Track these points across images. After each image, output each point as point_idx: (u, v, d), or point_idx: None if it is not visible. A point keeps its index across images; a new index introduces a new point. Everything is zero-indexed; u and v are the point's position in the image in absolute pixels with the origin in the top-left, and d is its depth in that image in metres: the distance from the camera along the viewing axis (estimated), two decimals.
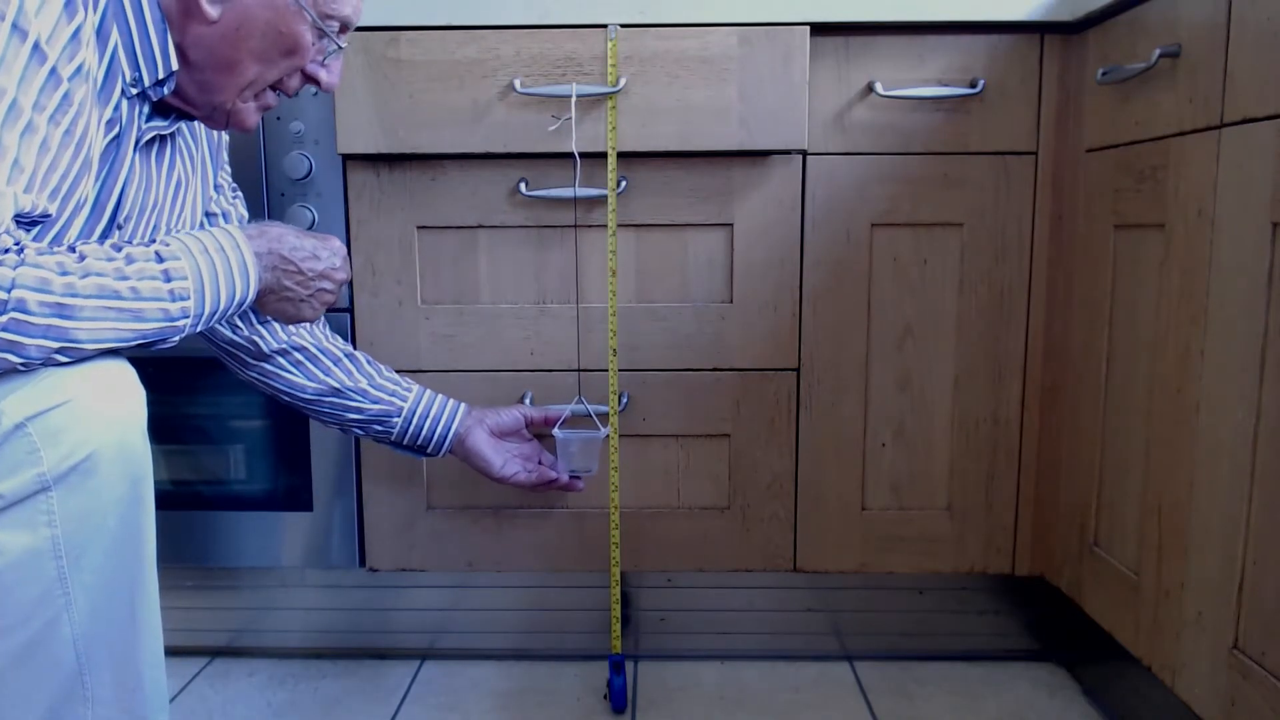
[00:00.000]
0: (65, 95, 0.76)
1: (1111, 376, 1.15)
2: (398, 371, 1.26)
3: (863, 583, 1.38)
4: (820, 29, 1.22)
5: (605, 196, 1.23)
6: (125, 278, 0.77)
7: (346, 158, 1.25)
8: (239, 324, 1.10)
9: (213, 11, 0.84)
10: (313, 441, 1.30)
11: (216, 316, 0.86)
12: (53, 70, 0.74)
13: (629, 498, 1.31)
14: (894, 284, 1.28)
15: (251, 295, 0.89)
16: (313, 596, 1.40)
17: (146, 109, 0.88)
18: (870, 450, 1.31)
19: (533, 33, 1.20)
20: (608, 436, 1.25)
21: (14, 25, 0.72)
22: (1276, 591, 0.86)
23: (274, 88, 0.92)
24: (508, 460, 1.21)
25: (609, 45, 1.19)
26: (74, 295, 0.74)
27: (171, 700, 1.30)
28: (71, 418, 0.75)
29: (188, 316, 0.82)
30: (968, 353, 1.28)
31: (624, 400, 1.28)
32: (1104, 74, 1.12)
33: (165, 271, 0.80)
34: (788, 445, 1.30)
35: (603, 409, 1.26)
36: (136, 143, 0.88)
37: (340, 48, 0.92)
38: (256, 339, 1.11)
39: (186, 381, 1.27)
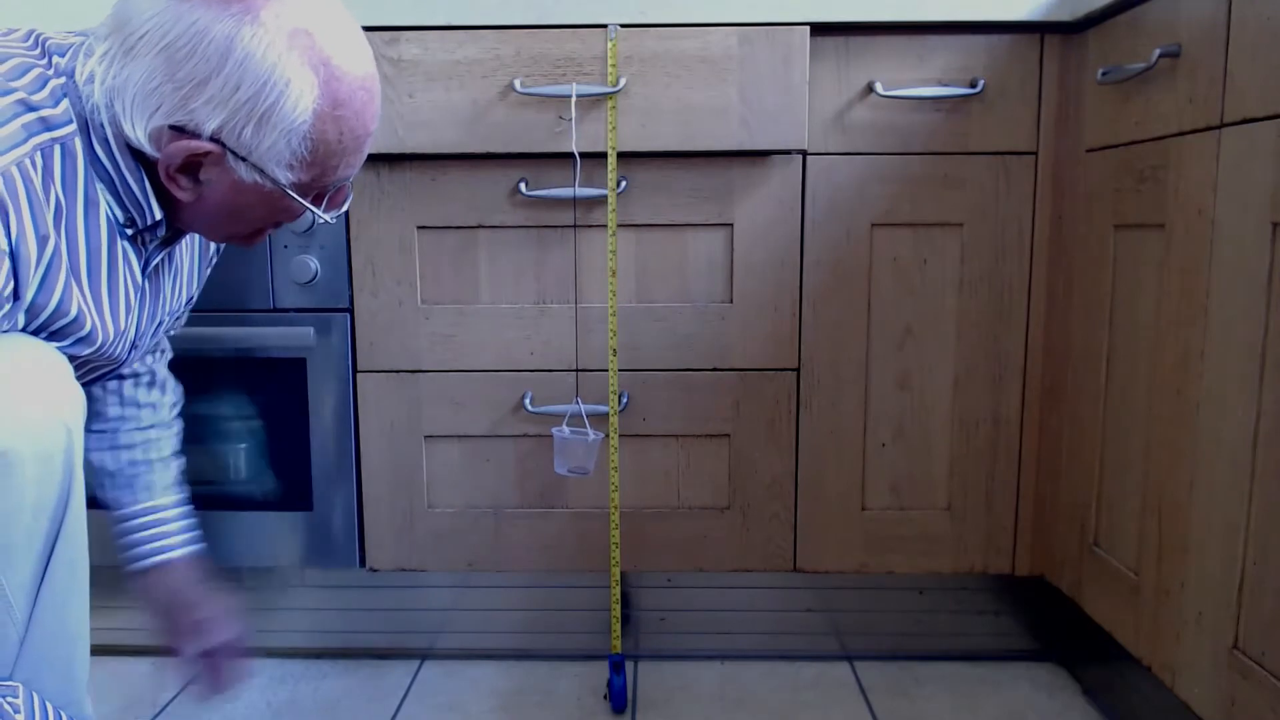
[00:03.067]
0: None
1: (1111, 376, 1.15)
2: (397, 373, 1.26)
3: (863, 583, 1.38)
4: (820, 29, 1.22)
5: (605, 196, 1.23)
6: None
7: None
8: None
9: (186, 197, 0.80)
10: (312, 441, 1.30)
11: None
12: None
13: (629, 498, 1.31)
14: (894, 284, 1.28)
15: None
16: (313, 596, 1.40)
17: (154, 239, 0.87)
18: (870, 450, 1.31)
19: (533, 33, 1.20)
20: (606, 438, 1.25)
21: None
22: (1276, 591, 0.86)
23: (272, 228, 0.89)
24: (180, 629, 1.08)
25: (609, 45, 1.19)
26: None
27: (171, 700, 1.30)
28: None
29: None
30: (968, 353, 1.28)
31: (624, 400, 1.28)
32: (1104, 74, 1.12)
33: None
34: (788, 445, 1.30)
35: (603, 409, 1.26)
36: (144, 270, 0.88)
37: (330, 220, 0.86)
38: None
39: (186, 382, 1.27)
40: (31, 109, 0.74)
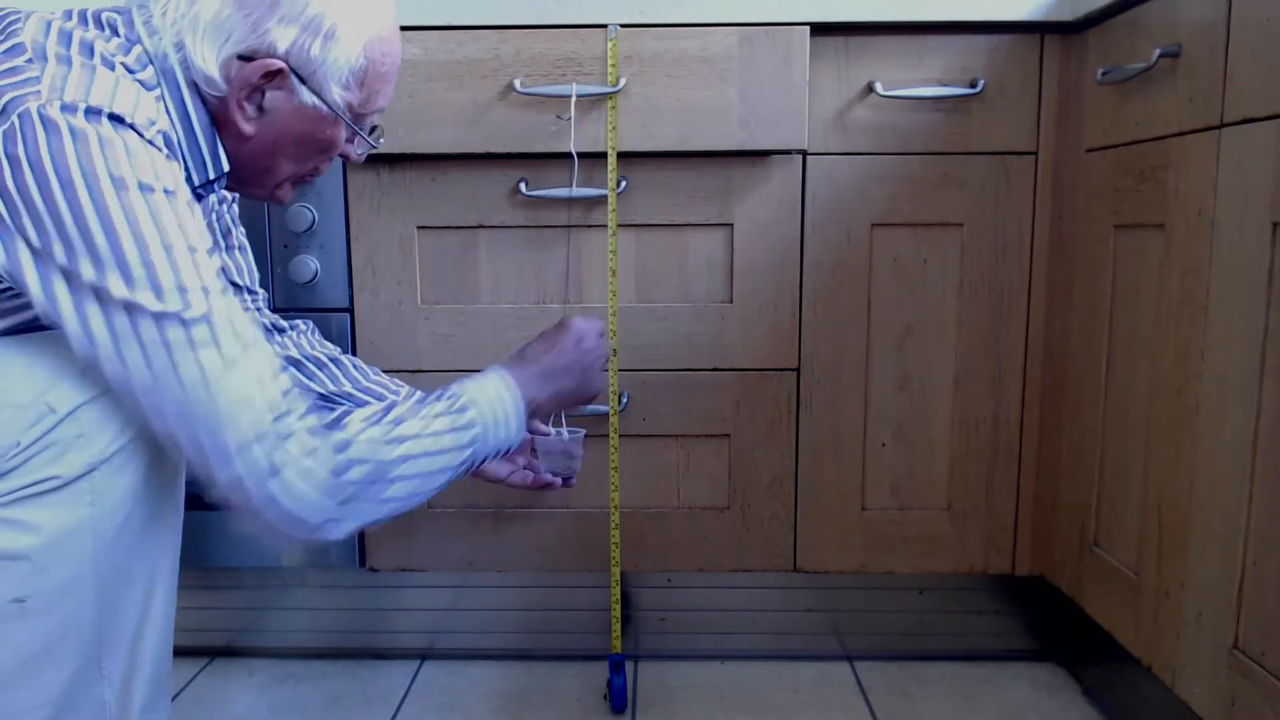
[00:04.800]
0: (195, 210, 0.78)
1: (1111, 376, 1.15)
2: (398, 373, 1.26)
3: (863, 583, 1.38)
4: (820, 29, 1.22)
5: (605, 196, 1.23)
6: (438, 434, 0.87)
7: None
8: None
9: (249, 129, 0.84)
10: None
11: (480, 464, 0.94)
12: (187, 203, 0.76)
13: (629, 498, 1.31)
14: (894, 284, 1.28)
15: (516, 440, 0.97)
16: (313, 596, 1.40)
17: (212, 191, 0.90)
18: (870, 450, 1.31)
19: (533, 33, 1.20)
20: (585, 436, 1.24)
21: (163, 189, 0.74)
22: (1276, 591, 0.86)
23: (310, 172, 0.94)
24: (499, 462, 1.20)
25: (609, 45, 1.19)
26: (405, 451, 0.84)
27: (172, 700, 1.30)
28: (117, 403, 0.76)
29: (469, 464, 0.92)
30: (968, 353, 1.28)
31: (624, 400, 1.28)
32: (1104, 74, 1.12)
33: (462, 425, 0.90)
34: (788, 445, 1.30)
35: (603, 409, 1.26)
36: None
37: (373, 145, 0.93)
38: None
39: None
40: (131, 72, 0.78)
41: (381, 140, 0.96)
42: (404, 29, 1.19)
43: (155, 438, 0.79)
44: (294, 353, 1.14)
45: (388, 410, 0.85)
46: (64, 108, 0.70)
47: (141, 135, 0.74)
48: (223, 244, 1.08)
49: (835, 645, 1.40)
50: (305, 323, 1.18)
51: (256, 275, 1.13)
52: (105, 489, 0.77)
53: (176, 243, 0.73)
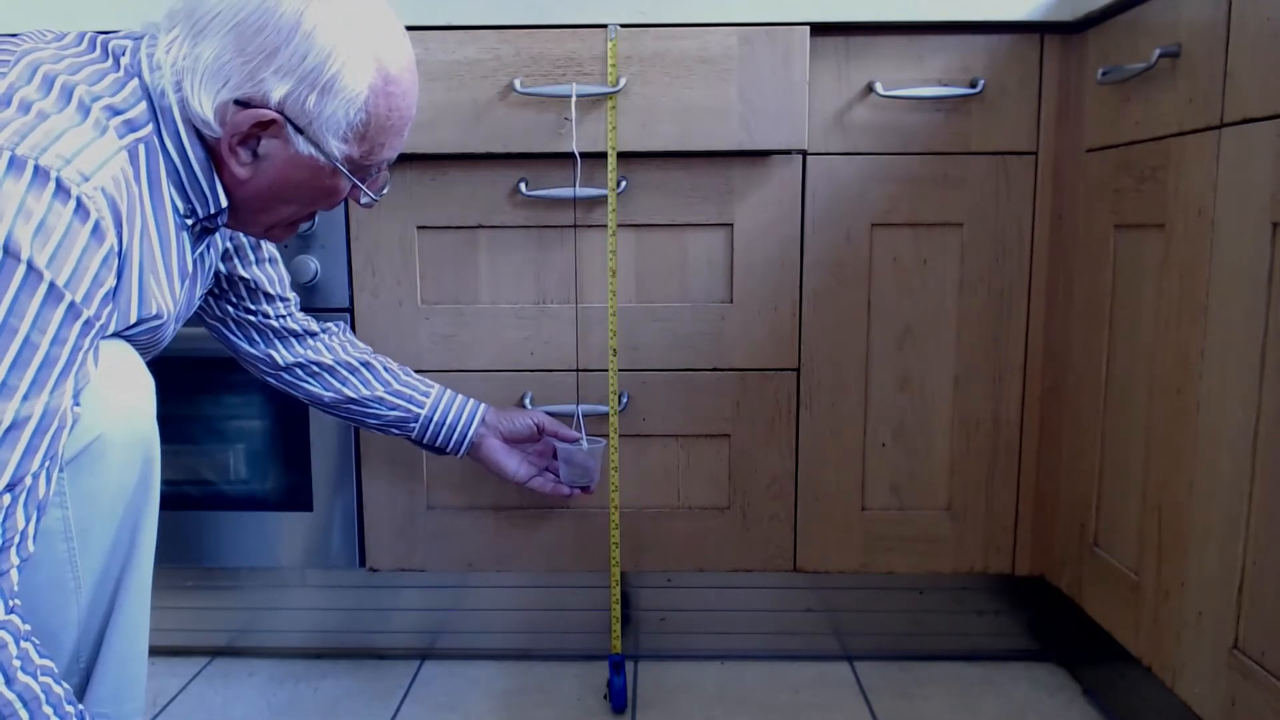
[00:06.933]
0: (86, 322, 0.74)
1: (1111, 376, 1.15)
2: None
3: (863, 583, 1.38)
4: (820, 29, 1.22)
5: (605, 196, 1.23)
6: None
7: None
8: (255, 338, 1.12)
9: (242, 173, 0.84)
10: (313, 441, 1.30)
11: None
12: (71, 305, 0.72)
13: (629, 498, 1.31)
14: (894, 284, 1.28)
15: None
16: (313, 596, 1.40)
17: (214, 226, 0.90)
18: (870, 450, 1.31)
19: (533, 33, 1.20)
20: (607, 445, 1.25)
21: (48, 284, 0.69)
22: (1276, 591, 0.86)
23: (309, 215, 0.94)
24: (521, 464, 1.22)
25: (609, 45, 1.19)
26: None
27: (171, 700, 1.30)
28: (83, 401, 0.76)
29: None
30: (968, 353, 1.28)
31: (624, 400, 1.28)
32: (1104, 74, 1.12)
33: None
34: (788, 445, 1.30)
35: (603, 409, 1.26)
36: (191, 261, 0.91)
37: (375, 197, 0.91)
38: (272, 352, 1.13)
39: (187, 382, 1.27)
40: (117, 113, 0.78)
41: (386, 190, 0.95)
42: (404, 29, 1.19)
43: (122, 441, 0.79)
44: (326, 358, 1.15)
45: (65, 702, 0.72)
46: None
47: (67, 191, 0.70)
48: (252, 257, 1.08)
49: (835, 645, 1.40)
50: (337, 324, 1.19)
51: (287, 281, 1.14)
52: (75, 488, 0.77)
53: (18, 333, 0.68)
